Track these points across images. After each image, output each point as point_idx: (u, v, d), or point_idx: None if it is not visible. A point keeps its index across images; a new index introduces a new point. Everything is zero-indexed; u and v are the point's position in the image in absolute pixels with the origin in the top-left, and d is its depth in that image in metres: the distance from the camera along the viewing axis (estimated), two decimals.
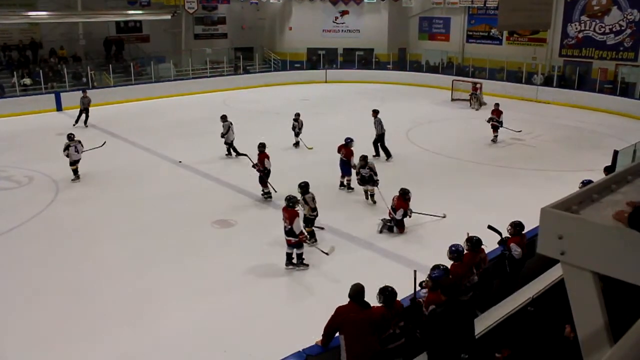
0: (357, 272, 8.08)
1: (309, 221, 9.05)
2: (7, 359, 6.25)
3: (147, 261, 8.56)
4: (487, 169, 13.42)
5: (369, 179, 11.01)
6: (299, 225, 8.08)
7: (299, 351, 5.06)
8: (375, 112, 14.79)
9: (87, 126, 17.85)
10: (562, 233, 1.63)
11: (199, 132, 17.22)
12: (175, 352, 6.36)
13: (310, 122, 19.28)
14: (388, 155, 14.40)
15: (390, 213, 9.70)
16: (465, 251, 6.34)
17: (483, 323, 5.27)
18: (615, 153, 11.24)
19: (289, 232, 8.04)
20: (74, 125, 17.57)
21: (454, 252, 6.21)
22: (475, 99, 21.36)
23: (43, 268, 8.35)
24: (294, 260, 8.28)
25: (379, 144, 14.50)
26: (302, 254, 8.28)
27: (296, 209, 8.23)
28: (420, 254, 8.43)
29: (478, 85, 22.09)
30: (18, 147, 15.68)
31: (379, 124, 14.45)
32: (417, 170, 13.22)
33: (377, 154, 14.39)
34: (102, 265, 8.47)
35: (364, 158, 11.04)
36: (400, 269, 8.05)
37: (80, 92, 18.76)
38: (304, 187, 8.95)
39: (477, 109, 20.90)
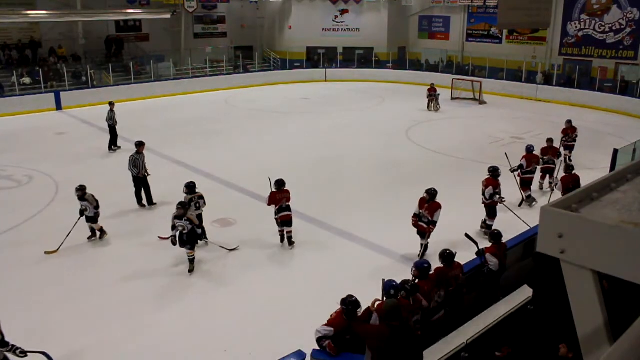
0: (352, 268, 8.10)
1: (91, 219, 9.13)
2: (8, 359, 6.26)
3: (146, 260, 8.56)
4: (486, 168, 13.41)
5: (189, 236, 7.93)
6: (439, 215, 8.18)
7: (299, 351, 5.06)
8: (112, 104, 15.21)
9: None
10: (562, 232, 1.63)
11: (199, 132, 17.24)
12: (175, 352, 6.36)
13: (311, 120, 19.35)
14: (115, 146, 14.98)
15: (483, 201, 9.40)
16: (439, 265, 6.03)
17: (484, 321, 5.28)
18: (615, 152, 11.26)
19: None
20: None
21: (419, 268, 5.72)
22: (434, 100, 20.71)
23: (43, 268, 8.35)
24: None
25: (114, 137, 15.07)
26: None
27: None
28: (413, 251, 8.43)
29: (436, 87, 21.31)
30: (18, 146, 15.68)
31: (114, 116, 14.93)
32: (417, 170, 13.22)
33: (114, 148, 15.02)
34: (102, 265, 8.48)
35: (182, 205, 8.05)
36: (394, 265, 8.08)
37: None
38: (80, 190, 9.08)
39: (435, 111, 20.53)
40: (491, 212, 9.44)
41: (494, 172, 9.32)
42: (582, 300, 1.73)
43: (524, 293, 5.81)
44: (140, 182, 10.77)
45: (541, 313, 5.20)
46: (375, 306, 5.10)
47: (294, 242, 9.06)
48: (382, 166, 13.81)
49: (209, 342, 6.48)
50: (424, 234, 8.37)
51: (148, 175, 10.86)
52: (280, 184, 8.80)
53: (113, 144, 15.10)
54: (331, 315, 5.09)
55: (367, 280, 7.75)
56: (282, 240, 9.19)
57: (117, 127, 15.08)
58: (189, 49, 27.22)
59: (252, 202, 11.09)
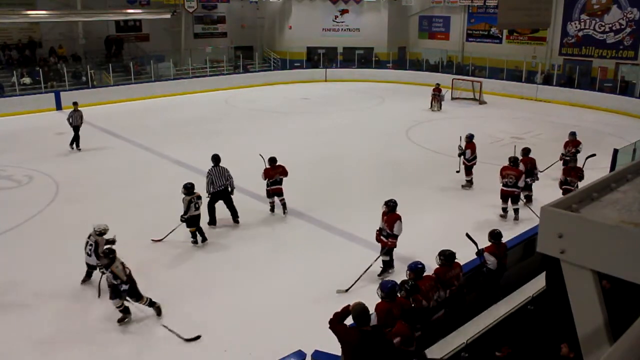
0: (352, 268, 8.09)
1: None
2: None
3: (147, 261, 8.55)
4: (487, 168, 13.38)
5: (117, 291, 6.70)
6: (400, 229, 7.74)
7: (299, 351, 5.06)
8: (75, 104, 15.22)
9: None
10: (562, 231, 1.63)
11: (199, 131, 17.23)
12: (175, 352, 6.37)
13: (311, 120, 19.36)
14: (76, 145, 14.92)
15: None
16: (437, 266, 6.00)
17: (484, 321, 5.28)
18: (615, 152, 11.26)
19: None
20: None
21: (414, 270, 5.75)
22: (437, 100, 20.73)
23: (43, 268, 8.34)
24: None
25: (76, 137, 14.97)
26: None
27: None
28: (410, 250, 8.40)
29: (441, 87, 21.23)
30: (18, 146, 15.68)
31: (79, 117, 14.91)
32: (417, 170, 13.22)
33: (73, 147, 14.95)
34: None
35: (105, 255, 6.76)
36: (394, 265, 8.08)
37: None
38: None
39: (437, 110, 20.54)
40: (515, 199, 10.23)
41: (515, 162, 10.18)
42: (582, 300, 1.73)
43: (524, 293, 5.81)
44: (219, 197, 9.74)
45: (541, 313, 5.20)
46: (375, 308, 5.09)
47: (287, 211, 10.21)
48: (382, 166, 13.81)
49: (209, 342, 6.48)
50: (384, 249, 7.97)
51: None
52: (273, 161, 9.98)
53: (72, 143, 14.96)
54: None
55: (367, 281, 7.77)
56: (272, 210, 10.29)
57: (80, 128, 14.98)
58: (189, 49, 27.21)
59: (252, 201, 11.09)
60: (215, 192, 9.59)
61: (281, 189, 10.06)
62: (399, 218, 7.79)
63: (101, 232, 7.51)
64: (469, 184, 11.95)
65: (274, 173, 9.92)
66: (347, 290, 7.54)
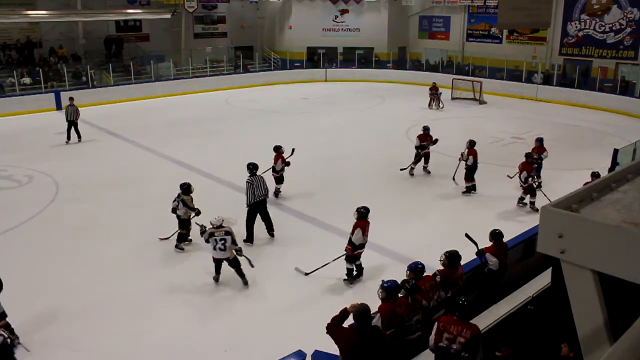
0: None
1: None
2: None
3: (147, 260, 8.56)
4: (488, 168, 13.40)
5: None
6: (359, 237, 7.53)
7: (299, 351, 5.06)
8: (71, 99, 16.12)
9: None
10: (562, 231, 1.63)
11: (200, 131, 17.24)
12: (175, 352, 6.36)
13: (311, 120, 19.35)
14: (79, 137, 15.87)
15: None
16: (442, 267, 5.93)
17: (484, 321, 5.28)
18: (615, 152, 11.26)
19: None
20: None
21: (414, 270, 5.67)
22: (436, 99, 20.92)
23: (43, 268, 8.34)
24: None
25: (72, 129, 15.77)
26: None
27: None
28: (410, 249, 8.38)
29: (437, 85, 21.37)
30: (18, 146, 15.68)
31: (74, 112, 15.72)
32: (417, 170, 13.20)
33: (69, 139, 15.75)
34: (102, 265, 8.46)
35: None
36: (394, 265, 8.06)
37: None
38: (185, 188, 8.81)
39: (437, 109, 20.72)
40: (530, 190, 10.54)
41: (528, 157, 10.54)
42: (582, 300, 1.73)
43: (525, 293, 5.81)
44: (258, 208, 9.12)
45: (541, 313, 5.20)
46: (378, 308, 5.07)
47: (277, 198, 11.00)
48: (382, 166, 13.79)
49: (209, 343, 6.48)
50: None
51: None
52: (274, 149, 11.08)
53: (69, 138, 15.71)
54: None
55: (367, 280, 7.77)
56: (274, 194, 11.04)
57: (77, 122, 15.81)
58: (189, 49, 27.21)
59: None
60: (256, 203, 8.92)
61: (276, 177, 11.02)
62: (359, 226, 7.52)
63: (219, 226, 7.66)
64: (426, 170, 12.88)
65: (274, 160, 11.03)
66: (307, 274, 7.86)
